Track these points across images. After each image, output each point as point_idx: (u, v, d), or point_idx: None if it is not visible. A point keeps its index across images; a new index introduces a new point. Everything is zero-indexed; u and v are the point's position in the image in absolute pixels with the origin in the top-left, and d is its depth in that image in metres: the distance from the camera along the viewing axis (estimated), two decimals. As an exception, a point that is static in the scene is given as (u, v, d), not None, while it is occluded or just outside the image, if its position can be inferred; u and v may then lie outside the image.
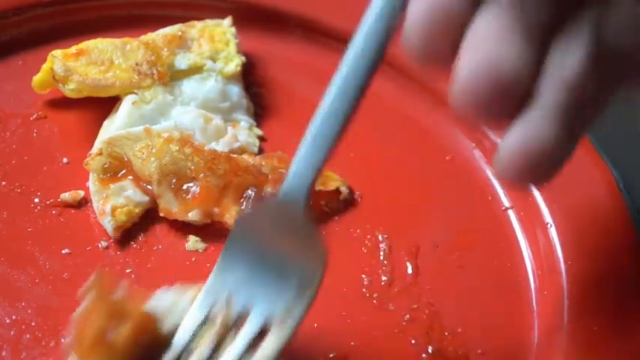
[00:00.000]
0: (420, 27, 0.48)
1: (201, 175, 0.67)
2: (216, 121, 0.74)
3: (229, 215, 0.67)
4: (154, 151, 0.68)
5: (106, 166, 0.69)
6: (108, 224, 0.67)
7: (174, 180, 0.67)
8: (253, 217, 0.59)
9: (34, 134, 0.73)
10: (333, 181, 0.72)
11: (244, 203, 0.68)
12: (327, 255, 0.56)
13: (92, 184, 0.69)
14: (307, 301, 0.56)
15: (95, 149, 0.70)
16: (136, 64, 0.74)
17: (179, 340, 0.56)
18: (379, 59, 0.53)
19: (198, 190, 0.67)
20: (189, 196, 0.67)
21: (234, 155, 0.71)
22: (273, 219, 0.57)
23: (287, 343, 0.56)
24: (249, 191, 0.68)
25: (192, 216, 0.67)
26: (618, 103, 0.48)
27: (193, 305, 0.57)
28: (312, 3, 0.83)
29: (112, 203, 0.67)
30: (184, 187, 0.67)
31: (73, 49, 0.74)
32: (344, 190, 0.72)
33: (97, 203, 0.68)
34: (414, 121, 0.79)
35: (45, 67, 0.74)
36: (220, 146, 0.73)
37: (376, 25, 0.52)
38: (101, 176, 0.68)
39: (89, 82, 0.73)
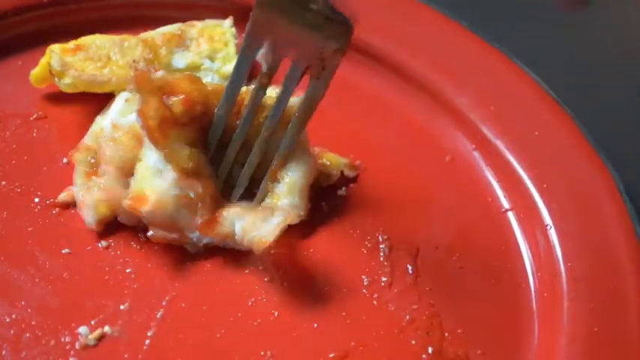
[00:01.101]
0: None
1: None
2: None
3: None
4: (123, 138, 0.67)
5: (92, 160, 0.68)
6: (90, 217, 0.67)
7: (120, 165, 0.67)
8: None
9: (34, 134, 0.73)
10: (334, 166, 0.73)
11: None
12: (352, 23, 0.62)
13: (77, 176, 0.68)
14: (339, 56, 0.63)
15: (83, 143, 0.69)
16: (133, 62, 0.74)
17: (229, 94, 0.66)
18: None
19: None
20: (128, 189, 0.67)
21: None
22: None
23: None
24: None
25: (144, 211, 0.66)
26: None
27: (236, 61, 0.65)
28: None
29: (94, 196, 0.67)
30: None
31: (72, 44, 0.74)
32: (349, 173, 0.73)
33: (79, 196, 0.68)
34: (414, 121, 0.79)
35: (43, 61, 0.74)
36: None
37: None
38: (86, 169, 0.68)
39: (85, 77, 0.73)
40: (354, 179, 0.74)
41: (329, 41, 0.62)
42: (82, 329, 0.61)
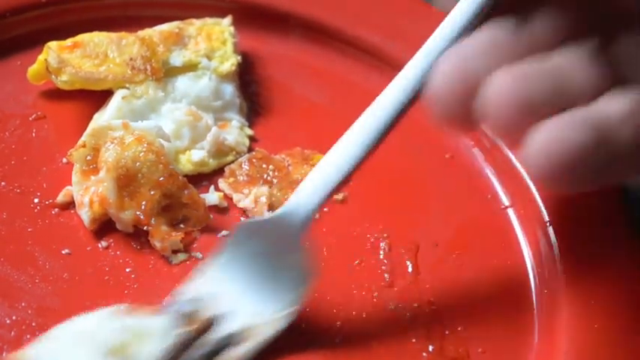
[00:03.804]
0: (444, 89, 0.52)
1: (149, 188, 0.66)
2: (207, 119, 0.74)
3: (158, 240, 0.66)
4: (125, 143, 0.66)
5: (89, 158, 0.68)
6: (85, 215, 0.67)
7: (122, 174, 0.65)
8: (251, 227, 0.60)
9: (34, 134, 0.73)
10: None
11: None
12: (313, 281, 0.59)
13: (75, 175, 0.68)
14: (283, 322, 0.59)
15: (81, 141, 0.69)
16: (130, 59, 0.74)
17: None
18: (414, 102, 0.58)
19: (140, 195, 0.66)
20: (129, 197, 0.66)
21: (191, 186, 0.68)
22: (269, 233, 0.58)
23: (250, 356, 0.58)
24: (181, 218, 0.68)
25: (124, 216, 0.66)
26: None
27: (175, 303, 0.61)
28: (312, 3, 0.83)
29: (90, 195, 0.67)
30: (130, 186, 0.66)
31: (69, 41, 0.75)
32: None
33: (77, 194, 0.67)
34: (414, 119, 0.79)
35: (40, 58, 0.74)
36: (203, 146, 0.73)
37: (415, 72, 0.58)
38: (84, 168, 0.68)
39: (82, 74, 0.73)
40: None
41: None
42: (83, 330, 0.61)
